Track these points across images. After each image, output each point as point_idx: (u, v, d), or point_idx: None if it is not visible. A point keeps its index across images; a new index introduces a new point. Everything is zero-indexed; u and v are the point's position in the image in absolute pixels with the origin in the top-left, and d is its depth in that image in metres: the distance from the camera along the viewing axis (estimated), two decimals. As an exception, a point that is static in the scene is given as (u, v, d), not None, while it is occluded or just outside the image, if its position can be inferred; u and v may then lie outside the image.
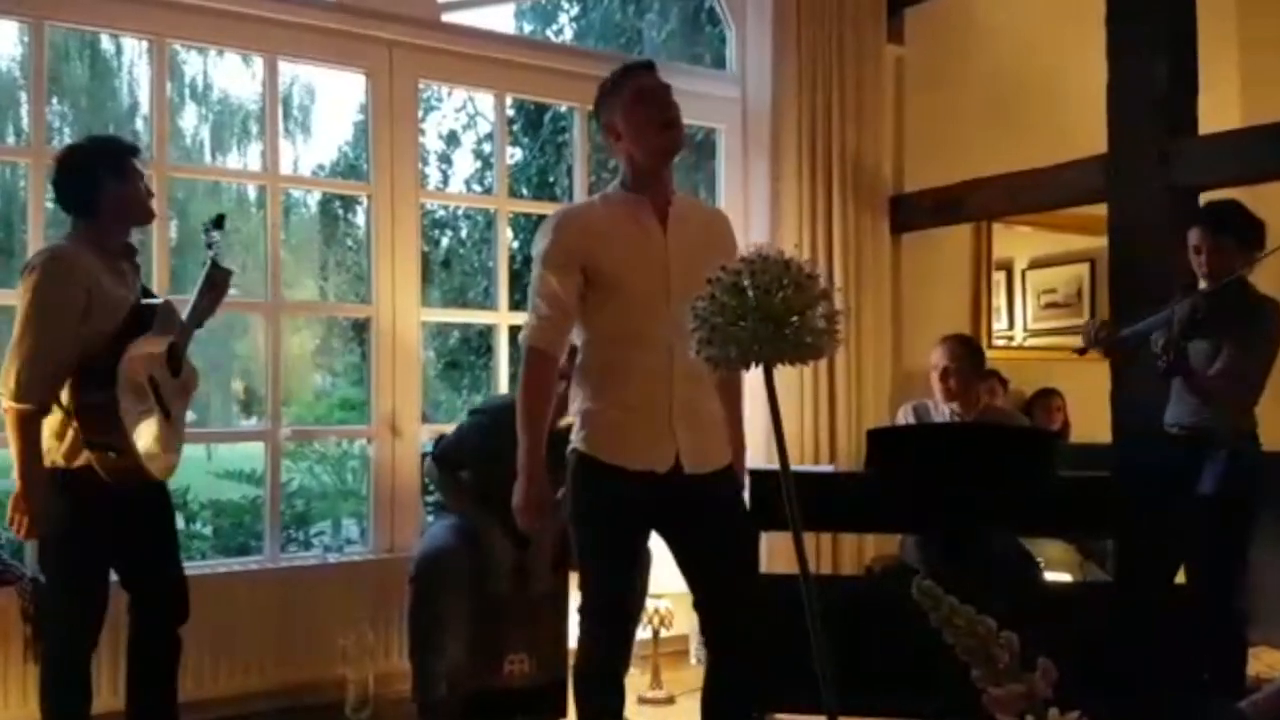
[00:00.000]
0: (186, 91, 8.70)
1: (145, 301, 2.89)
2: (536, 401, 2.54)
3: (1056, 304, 5.56)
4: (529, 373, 2.54)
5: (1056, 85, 4.88)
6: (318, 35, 3.92)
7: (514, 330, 3.84)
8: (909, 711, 2.99)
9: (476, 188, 9.61)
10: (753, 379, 1.27)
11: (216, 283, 3.00)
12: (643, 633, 3.42)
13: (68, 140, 3.99)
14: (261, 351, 4.39)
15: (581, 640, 2.61)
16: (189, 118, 8.81)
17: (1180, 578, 3.53)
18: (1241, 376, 3.31)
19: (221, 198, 7.96)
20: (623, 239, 2.54)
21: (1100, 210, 4.04)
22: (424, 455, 3.93)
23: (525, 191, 8.81)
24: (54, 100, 7.59)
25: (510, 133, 8.48)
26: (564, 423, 2.88)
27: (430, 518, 3.91)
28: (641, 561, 2.88)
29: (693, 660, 4.18)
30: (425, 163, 8.52)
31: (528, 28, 8.95)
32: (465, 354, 9.60)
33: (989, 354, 4.59)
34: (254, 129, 8.89)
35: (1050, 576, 4.07)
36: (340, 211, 9.66)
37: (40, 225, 3.47)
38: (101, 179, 2.78)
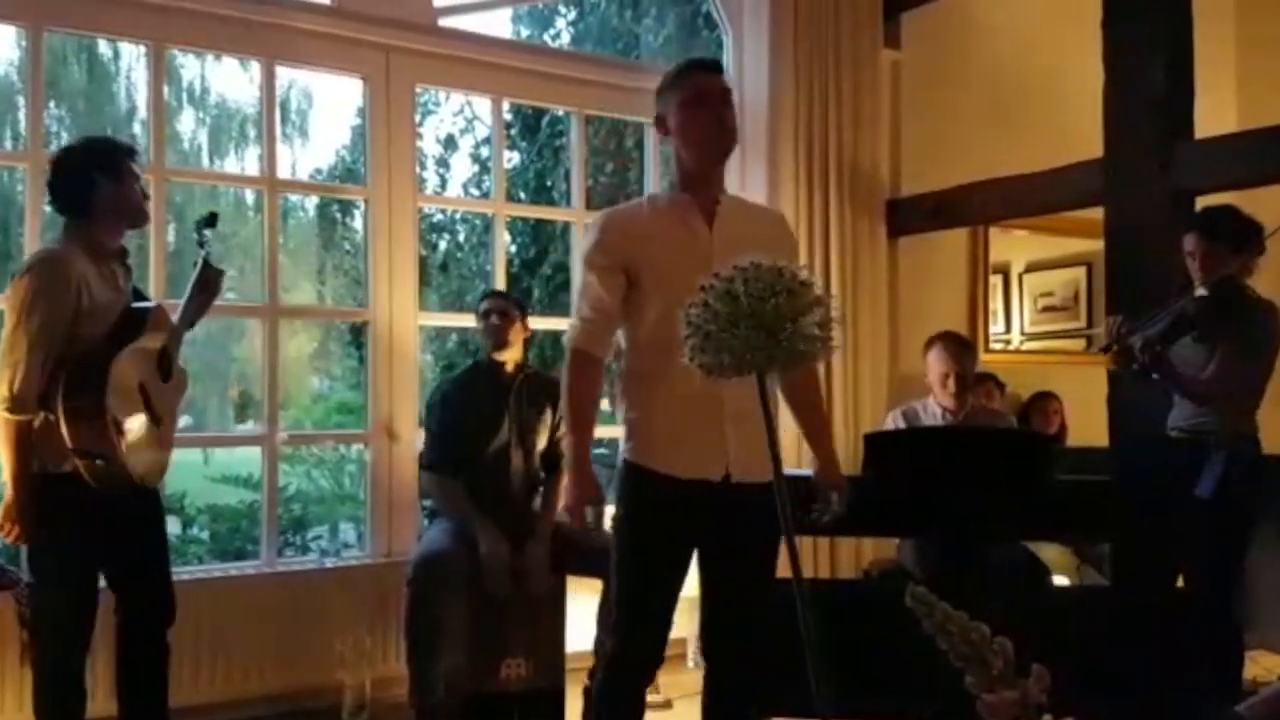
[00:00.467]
0: (184, 96, 8.68)
1: (136, 305, 2.86)
2: (582, 402, 2.52)
3: (1054, 307, 5.55)
4: (573, 374, 2.51)
5: (1054, 89, 4.88)
6: (315, 40, 3.92)
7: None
8: (906, 715, 2.99)
9: (474, 191, 9.61)
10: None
11: (208, 283, 2.97)
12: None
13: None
14: (259, 355, 4.39)
15: (611, 653, 2.56)
16: (186, 122, 8.79)
17: (1179, 580, 3.53)
18: (1233, 380, 3.29)
19: (219, 202, 7.95)
20: (667, 241, 2.49)
21: (1097, 213, 4.03)
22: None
23: (523, 195, 8.81)
24: (51, 104, 7.57)
25: (508, 137, 8.49)
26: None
27: (427, 521, 3.90)
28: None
29: (690, 664, 4.17)
30: (423, 167, 8.52)
31: (525, 32, 8.96)
32: (463, 358, 9.56)
33: (986, 358, 4.58)
34: (251, 133, 8.87)
35: (1047, 580, 4.07)
36: (338, 215, 9.63)
37: (37, 229, 3.47)
38: (95, 179, 2.75)
